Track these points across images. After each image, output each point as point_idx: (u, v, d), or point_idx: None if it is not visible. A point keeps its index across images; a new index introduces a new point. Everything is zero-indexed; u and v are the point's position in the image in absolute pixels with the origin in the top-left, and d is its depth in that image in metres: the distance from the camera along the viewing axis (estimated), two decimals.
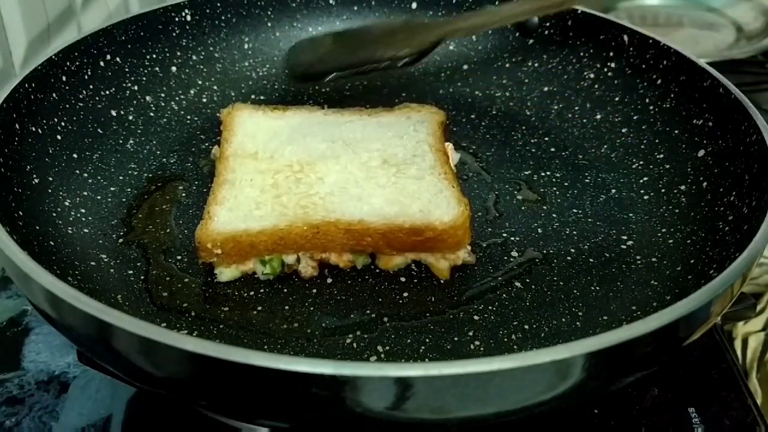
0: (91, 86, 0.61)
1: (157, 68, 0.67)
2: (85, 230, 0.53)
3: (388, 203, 0.51)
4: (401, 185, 0.53)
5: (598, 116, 0.66)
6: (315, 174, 0.54)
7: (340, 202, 0.51)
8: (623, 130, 0.64)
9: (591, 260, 0.53)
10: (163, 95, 0.66)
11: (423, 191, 0.53)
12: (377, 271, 0.52)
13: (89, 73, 0.61)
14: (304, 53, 0.67)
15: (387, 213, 0.51)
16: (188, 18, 0.68)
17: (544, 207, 0.58)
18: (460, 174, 0.61)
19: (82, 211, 0.54)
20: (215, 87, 0.69)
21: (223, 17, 0.71)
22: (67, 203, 0.54)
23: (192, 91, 0.68)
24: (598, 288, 0.51)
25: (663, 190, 0.58)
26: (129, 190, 0.58)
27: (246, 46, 0.72)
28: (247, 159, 0.56)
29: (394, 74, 0.73)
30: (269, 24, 0.73)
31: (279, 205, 0.51)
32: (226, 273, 0.51)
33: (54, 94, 0.57)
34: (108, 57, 0.63)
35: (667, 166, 0.59)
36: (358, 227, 0.50)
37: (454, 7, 0.74)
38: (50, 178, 0.54)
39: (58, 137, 0.56)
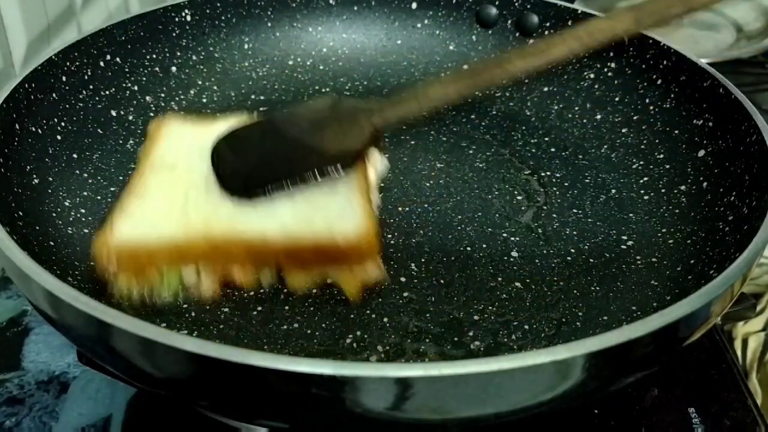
0: (91, 86, 0.61)
1: (157, 68, 0.67)
2: (85, 230, 0.53)
3: (294, 218, 0.50)
4: (313, 198, 0.51)
5: (598, 116, 0.66)
6: None
7: (246, 218, 0.50)
8: (623, 130, 0.64)
9: (591, 260, 0.53)
10: (163, 95, 0.66)
11: (332, 204, 0.51)
12: (284, 290, 0.50)
13: (89, 73, 0.61)
14: (230, 160, 0.54)
15: (291, 229, 0.49)
16: (188, 18, 0.68)
17: (544, 207, 0.58)
18: (461, 175, 0.61)
19: (82, 211, 0.54)
20: (215, 87, 0.69)
21: (223, 17, 0.71)
22: (67, 203, 0.54)
23: (192, 91, 0.68)
24: (598, 288, 0.51)
25: (663, 190, 0.58)
26: None
27: (246, 46, 0.72)
28: (164, 172, 0.54)
29: (394, 74, 0.73)
30: (269, 24, 0.73)
31: (183, 218, 0.49)
32: (122, 287, 0.48)
33: (54, 94, 0.57)
34: (108, 57, 0.63)
35: (667, 167, 0.59)
36: (258, 245, 0.48)
37: (454, 8, 0.74)
38: (50, 178, 0.54)
39: (58, 137, 0.56)
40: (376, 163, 0.58)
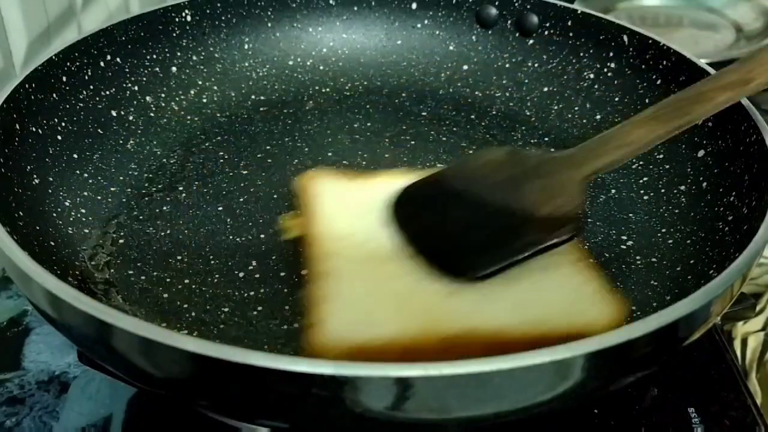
0: (91, 86, 0.61)
1: (157, 68, 0.67)
2: (85, 230, 0.53)
3: (529, 307, 0.43)
4: (532, 280, 0.44)
5: (598, 116, 0.66)
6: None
7: (474, 307, 0.42)
8: None
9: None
10: (163, 95, 0.66)
11: (560, 286, 0.44)
12: None
13: (89, 73, 0.61)
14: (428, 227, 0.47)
15: (530, 321, 0.41)
16: (188, 18, 0.68)
17: None
18: None
19: (82, 211, 0.54)
20: (215, 87, 0.69)
21: (223, 17, 0.71)
22: (67, 203, 0.54)
23: (192, 92, 0.68)
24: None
25: (663, 191, 0.58)
26: (129, 190, 0.58)
27: (246, 47, 0.72)
28: (341, 242, 0.46)
29: (394, 74, 0.73)
30: (269, 24, 0.73)
31: (400, 308, 0.42)
32: None
33: (54, 95, 0.57)
34: (108, 57, 0.63)
35: (667, 167, 0.59)
36: (498, 343, 0.40)
37: (454, 8, 0.74)
38: (50, 179, 0.54)
39: (59, 137, 0.56)
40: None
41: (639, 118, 0.48)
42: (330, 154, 0.63)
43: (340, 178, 0.54)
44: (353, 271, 0.44)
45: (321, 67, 0.73)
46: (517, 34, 0.72)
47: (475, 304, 0.42)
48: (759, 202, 0.48)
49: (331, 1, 0.74)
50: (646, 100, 0.63)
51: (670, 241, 0.53)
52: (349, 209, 0.49)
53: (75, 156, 0.57)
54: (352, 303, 0.42)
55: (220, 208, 0.57)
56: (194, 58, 0.69)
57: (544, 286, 0.44)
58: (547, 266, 0.45)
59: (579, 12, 0.69)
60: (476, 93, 0.71)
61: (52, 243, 0.49)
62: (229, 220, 0.56)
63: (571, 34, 0.69)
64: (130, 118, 0.63)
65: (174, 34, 0.68)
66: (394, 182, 0.52)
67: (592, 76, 0.68)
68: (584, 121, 0.66)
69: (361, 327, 0.41)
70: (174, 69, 0.68)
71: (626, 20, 0.69)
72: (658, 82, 0.63)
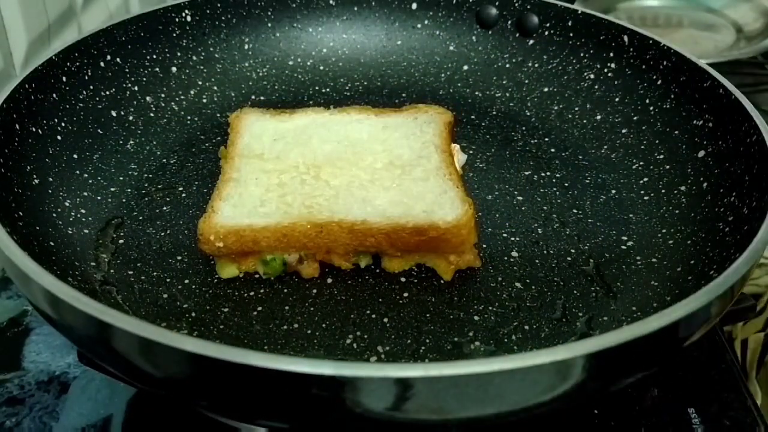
0: (91, 87, 0.61)
1: (157, 69, 0.67)
2: (85, 230, 0.53)
3: (392, 204, 0.52)
4: (406, 187, 0.53)
5: (598, 117, 0.66)
6: (320, 176, 0.54)
7: (344, 203, 0.52)
8: (623, 131, 0.64)
9: (591, 260, 0.53)
10: (163, 96, 0.66)
11: (427, 192, 0.53)
12: (377, 271, 0.52)
13: (89, 73, 0.61)
14: None
15: (391, 213, 0.51)
16: (188, 18, 0.68)
17: (544, 207, 0.58)
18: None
19: (82, 211, 0.54)
20: (215, 87, 0.69)
21: (223, 18, 0.71)
22: (67, 203, 0.54)
23: (192, 92, 0.68)
24: (598, 288, 0.51)
25: (663, 191, 0.58)
26: (129, 190, 0.58)
27: (246, 47, 0.72)
28: (253, 159, 0.56)
29: (394, 74, 0.73)
30: (269, 24, 0.73)
31: (284, 204, 0.52)
32: (226, 270, 0.51)
33: (54, 95, 0.57)
34: (108, 57, 0.63)
35: (668, 167, 0.59)
36: (361, 227, 0.50)
37: (454, 8, 0.74)
38: (50, 179, 0.54)
39: (59, 138, 0.56)
40: (458, 155, 0.60)
41: None
42: None
43: (263, 113, 0.61)
44: (253, 179, 0.54)
45: (321, 67, 0.73)
46: (517, 35, 0.72)
47: (346, 203, 0.52)
48: (759, 202, 0.48)
49: (331, 2, 0.74)
50: (647, 100, 0.63)
51: (671, 242, 0.53)
52: (265, 136, 0.59)
53: (75, 156, 0.57)
54: (244, 199, 0.52)
55: None
56: (194, 58, 0.69)
57: (410, 193, 0.53)
58: (417, 178, 0.54)
59: (579, 12, 0.69)
60: (476, 93, 0.71)
61: (52, 243, 0.49)
62: None
63: (571, 35, 0.69)
64: (130, 118, 0.63)
65: (174, 34, 0.68)
66: (308, 116, 0.61)
67: (592, 76, 0.68)
68: (584, 121, 0.66)
69: (247, 215, 0.51)
70: (174, 69, 0.68)
71: (626, 20, 0.69)
72: (659, 82, 0.63)
